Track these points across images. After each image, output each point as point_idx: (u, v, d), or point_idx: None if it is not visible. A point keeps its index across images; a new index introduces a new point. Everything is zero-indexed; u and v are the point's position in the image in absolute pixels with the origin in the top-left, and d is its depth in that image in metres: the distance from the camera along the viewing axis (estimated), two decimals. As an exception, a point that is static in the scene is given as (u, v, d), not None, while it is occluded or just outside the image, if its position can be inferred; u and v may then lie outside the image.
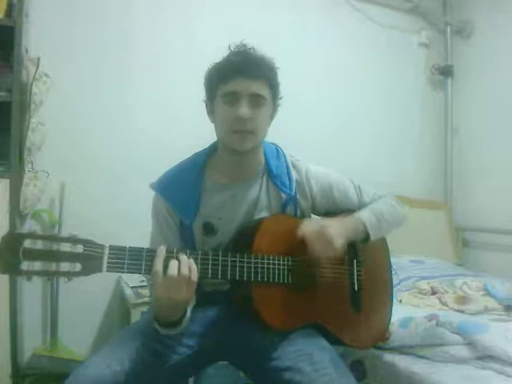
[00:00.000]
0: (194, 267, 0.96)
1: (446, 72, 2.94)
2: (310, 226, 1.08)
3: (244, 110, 1.07)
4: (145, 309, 1.66)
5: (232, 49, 1.14)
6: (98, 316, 2.12)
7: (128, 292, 1.88)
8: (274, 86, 1.14)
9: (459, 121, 2.93)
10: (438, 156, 2.97)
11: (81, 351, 1.99)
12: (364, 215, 1.18)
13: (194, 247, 1.16)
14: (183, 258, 0.96)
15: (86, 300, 2.04)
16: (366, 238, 1.18)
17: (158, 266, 0.93)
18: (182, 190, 1.16)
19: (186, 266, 0.95)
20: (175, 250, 0.98)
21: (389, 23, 2.79)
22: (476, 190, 2.79)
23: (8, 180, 1.69)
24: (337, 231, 1.06)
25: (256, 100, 1.09)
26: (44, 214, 1.99)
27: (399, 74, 2.83)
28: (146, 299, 1.75)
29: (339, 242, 1.06)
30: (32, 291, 1.97)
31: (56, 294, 1.97)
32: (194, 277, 0.96)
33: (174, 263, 0.94)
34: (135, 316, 1.75)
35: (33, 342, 1.95)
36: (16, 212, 1.71)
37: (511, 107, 2.56)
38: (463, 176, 2.89)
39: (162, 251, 0.95)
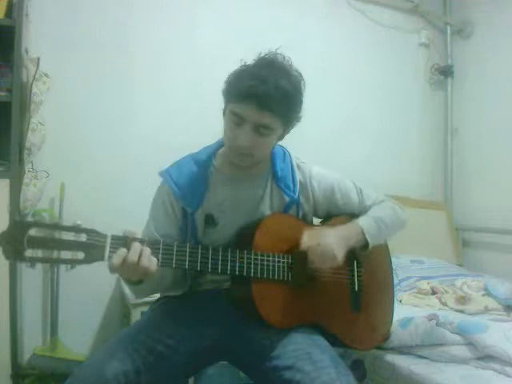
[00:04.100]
0: (146, 253, 0.93)
1: (446, 72, 2.94)
2: (311, 239, 1.09)
3: (244, 138, 1.07)
4: (145, 309, 1.66)
5: (259, 57, 1.11)
6: (98, 316, 2.12)
7: (128, 292, 1.87)
8: (286, 118, 1.11)
9: (459, 121, 2.93)
10: (437, 156, 2.97)
11: (81, 351, 1.99)
12: (364, 222, 1.19)
13: (196, 239, 1.17)
14: (135, 244, 0.92)
15: (86, 300, 2.05)
16: (366, 244, 1.19)
17: (116, 259, 0.90)
18: (189, 178, 1.17)
19: (144, 256, 0.92)
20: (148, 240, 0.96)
21: (389, 23, 2.79)
22: (476, 189, 2.79)
23: (8, 180, 1.69)
24: (337, 243, 1.09)
25: (261, 128, 1.07)
26: (44, 214, 1.99)
27: (399, 73, 2.83)
28: (147, 299, 1.75)
29: (340, 254, 1.09)
30: (32, 291, 1.97)
31: (56, 294, 1.97)
32: (145, 262, 0.92)
33: (132, 254, 0.91)
34: (135, 316, 1.74)
35: (33, 342, 1.95)
36: (16, 212, 1.71)
37: (511, 107, 2.56)
38: (463, 176, 2.89)
39: (136, 247, 0.92)
